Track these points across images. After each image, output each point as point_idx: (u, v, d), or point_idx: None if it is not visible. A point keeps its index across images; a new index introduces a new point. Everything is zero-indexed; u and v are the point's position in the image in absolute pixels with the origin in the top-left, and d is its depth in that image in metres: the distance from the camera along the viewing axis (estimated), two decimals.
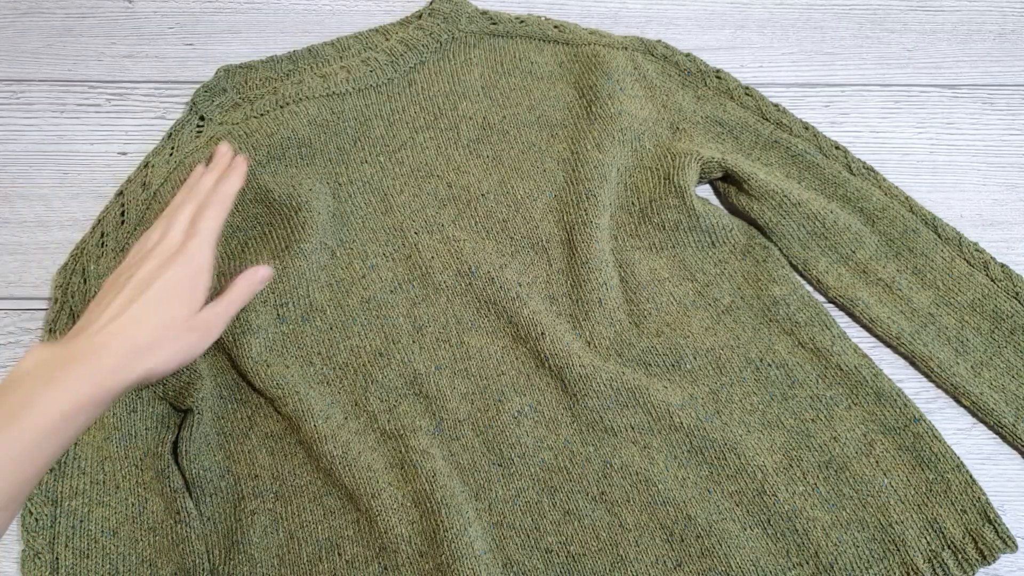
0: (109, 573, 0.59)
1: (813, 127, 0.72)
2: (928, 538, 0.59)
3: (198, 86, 0.73)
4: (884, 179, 0.70)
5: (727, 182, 0.72)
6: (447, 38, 0.74)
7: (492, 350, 0.65)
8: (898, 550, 0.59)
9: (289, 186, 0.68)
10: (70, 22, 0.78)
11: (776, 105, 0.73)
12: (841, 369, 0.64)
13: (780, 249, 0.69)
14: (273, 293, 0.66)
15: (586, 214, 0.68)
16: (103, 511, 0.61)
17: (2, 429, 0.46)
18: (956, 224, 0.70)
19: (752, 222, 0.70)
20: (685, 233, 0.69)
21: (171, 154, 0.70)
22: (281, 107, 0.70)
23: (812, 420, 0.63)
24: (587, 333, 0.66)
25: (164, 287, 0.55)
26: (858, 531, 0.60)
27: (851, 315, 0.67)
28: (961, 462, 0.61)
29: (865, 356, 0.65)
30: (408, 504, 0.61)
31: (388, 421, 0.63)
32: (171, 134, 0.71)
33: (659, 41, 0.75)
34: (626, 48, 0.74)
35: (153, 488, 0.61)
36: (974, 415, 0.64)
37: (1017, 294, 0.66)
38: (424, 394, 0.64)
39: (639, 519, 0.61)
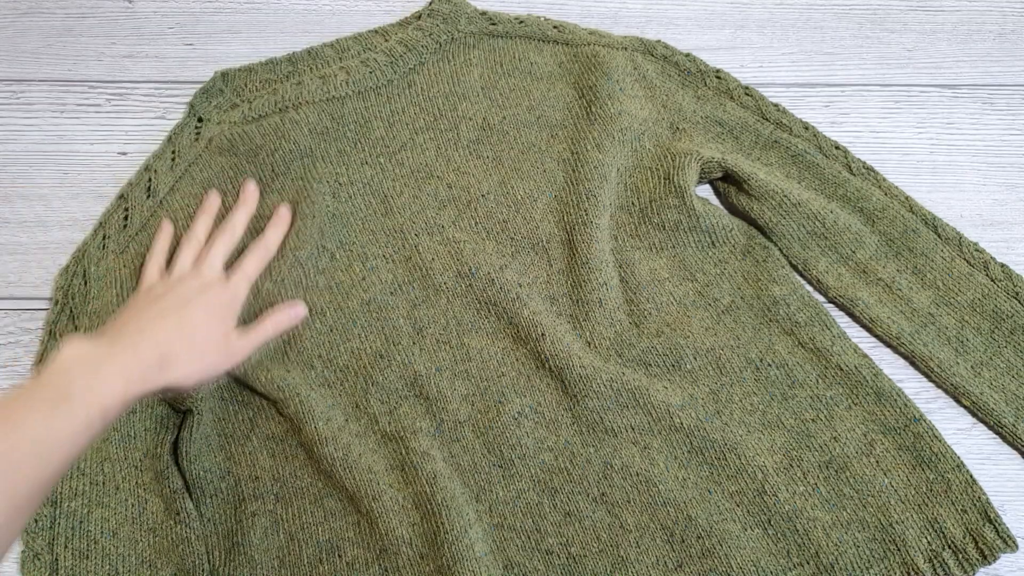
0: (109, 574, 0.59)
1: (813, 127, 0.72)
2: (928, 538, 0.59)
3: (197, 88, 0.73)
4: (884, 179, 0.70)
5: (727, 182, 0.72)
6: (446, 39, 0.74)
7: (492, 351, 0.65)
8: (899, 550, 0.59)
9: (293, 201, 0.68)
10: (70, 22, 0.78)
11: (776, 105, 0.73)
12: (841, 369, 0.64)
13: (780, 249, 0.69)
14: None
15: (586, 214, 0.68)
16: (103, 512, 0.61)
17: (55, 407, 0.46)
18: (956, 224, 0.70)
19: (752, 222, 0.70)
20: (685, 233, 0.69)
21: (173, 159, 0.70)
22: (281, 111, 0.70)
23: (812, 420, 0.63)
24: (587, 333, 0.66)
25: (204, 307, 0.58)
26: (859, 531, 0.60)
27: (851, 315, 0.67)
28: (961, 462, 0.61)
29: (865, 356, 0.65)
30: (409, 506, 0.61)
31: (389, 423, 0.63)
32: (171, 138, 0.71)
33: (659, 41, 0.75)
34: (626, 48, 0.74)
35: (153, 489, 0.62)
36: (974, 415, 0.64)
37: (1017, 294, 0.66)
38: (424, 396, 0.64)
39: (640, 520, 0.61)
